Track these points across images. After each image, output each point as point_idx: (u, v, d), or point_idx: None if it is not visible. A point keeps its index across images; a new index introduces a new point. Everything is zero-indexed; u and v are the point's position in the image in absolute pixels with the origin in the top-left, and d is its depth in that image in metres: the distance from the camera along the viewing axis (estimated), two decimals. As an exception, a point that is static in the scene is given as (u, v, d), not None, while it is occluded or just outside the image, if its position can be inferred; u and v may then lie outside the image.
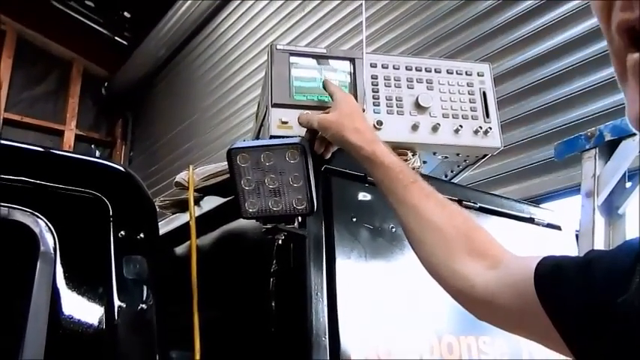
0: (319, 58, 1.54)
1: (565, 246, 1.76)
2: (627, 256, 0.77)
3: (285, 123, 1.44)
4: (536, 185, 3.22)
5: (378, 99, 1.53)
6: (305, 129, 1.37)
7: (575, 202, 1.79)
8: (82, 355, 1.26)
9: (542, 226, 1.81)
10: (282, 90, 1.47)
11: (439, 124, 1.53)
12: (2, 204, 1.22)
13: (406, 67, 1.59)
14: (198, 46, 6.71)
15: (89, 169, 1.43)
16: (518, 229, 1.76)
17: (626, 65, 0.59)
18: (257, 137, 1.68)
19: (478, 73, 1.64)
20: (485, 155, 1.65)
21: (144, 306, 1.32)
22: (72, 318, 1.23)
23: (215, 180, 1.55)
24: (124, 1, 7.46)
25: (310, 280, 1.31)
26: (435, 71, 1.60)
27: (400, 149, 1.51)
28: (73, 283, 1.25)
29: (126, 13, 7.57)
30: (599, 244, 1.63)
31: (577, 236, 1.81)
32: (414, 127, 1.53)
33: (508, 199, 1.87)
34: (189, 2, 6.27)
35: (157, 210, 1.63)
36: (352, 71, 1.54)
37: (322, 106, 1.44)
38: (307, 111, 1.40)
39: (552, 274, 0.87)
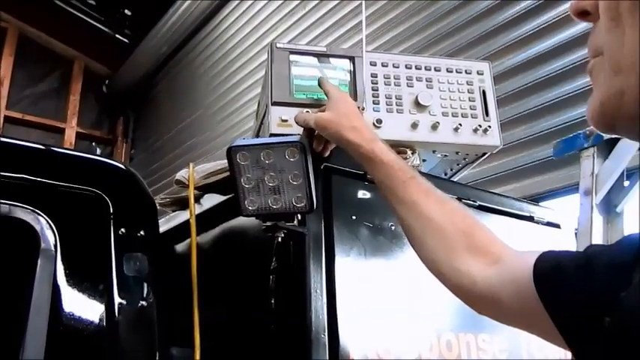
0: (319, 56, 1.54)
1: (565, 244, 1.76)
2: (627, 251, 0.77)
3: (285, 121, 1.44)
4: (536, 184, 3.23)
5: (378, 97, 1.54)
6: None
7: (575, 201, 1.80)
8: (82, 352, 1.26)
9: (542, 224, 1.81)
10: (282, 88, 1.47)
11: (438, 123, 1.54)
12: (3, 201, 1.22)
13: (406, 66, 1.59)
14: (199, 44, 6.71)
15: (90, 167, 1.44)
16: (518, 228, 1.76)
17: None
18: (257, 135, 1.68)
19: (478, 72, 1.64)
20: (484, 154, 1.65)
21: (144, 303, 1.33)
22: (72, 315, 1.24)
23: (215, 178, 1.56)
24: (125, -1, 7.47)
25: (310, 277, 1.31)
26: (435, 70, 1.61)
27: (400, 147, 1.52)
28: (74, 281, 1.26)
29: (127, 11, 7.57)
30: (598, 242, 1.64)
31: (576, 234, 1.82)
32: (414, 126, 1.53)
33: (507, 197, 1.88)
34: (190, 0, 6.27)
35: (158, 208, 1.64)
36: (352, 69, 1.54)
37: (322, 105, 1.45)
38: (304, 109, 1.40)
39: (551, 270, 0.87)
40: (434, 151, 1.62)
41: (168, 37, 6.80)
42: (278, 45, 1.52)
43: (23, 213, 1.24)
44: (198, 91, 6.65)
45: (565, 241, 1.80)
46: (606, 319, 0.70)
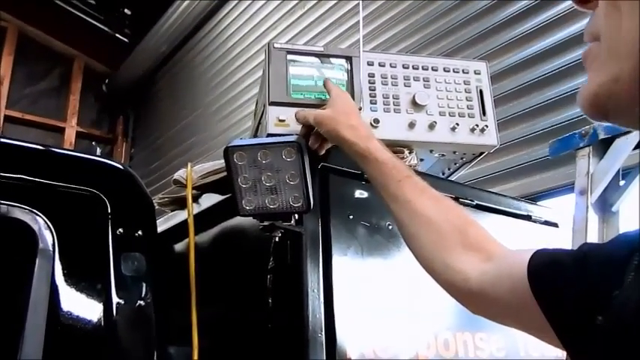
0: (316, 56, 1.55)
1: (562, 243, 1.76)
2: (621, 249, 0.77)
3: (283, 121, 1.45)
4: (534, 182, 3.23)
5: (375, 97, 1.54)
6: (301, 126, 1.38)
7: (572, 200, 1.80)
8: (80, 352, 1.27)
9: (540, 223, 1.82)
10: (279, 88, 1.48)
11: (436, 122, 1.54)
12: (1, 202, 1.23)
13: (403, 66, 1.60)
14: (198, 43, 6.71)
15: (88, 167, 1.44)
16: (516, 227, 1.77)
17: None
18: (255, 135, 1.68)
19: (475, 71, 1.65)
20: (481, 153, 1.65)
21: (142, 303, 1.34)
22: (70, 314, 1.25)
23: (213, 178, 1.56)
24: (124, -2, 7.48)
25: (307, 276, 1.32)
26: (432, 69, 1.61)
27: (397, 147, 1.52)
28: (72, 280, 1.26)
29: (126, 10, 7.57)
30: (593, 241, 1.64)
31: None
32: (411, 125, 1.53)
33: (505, 196, 1.88)
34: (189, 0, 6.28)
35: (156, 207, 1.65)
36: (349, 69, 1.54)
37: (319, 104, 1.45)
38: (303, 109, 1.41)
39: (545, 267, 0.87)
40: (431, 151, 1.62)
41: (168, 36, 6.80)
42: (275, 45, 1.52)
43: (21, 213, 1.24)
44: (197, 90, 6.65)
45: (563, 240, 1.81)
46: (599, 318, 0.71)
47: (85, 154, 1.54)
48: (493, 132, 1.59)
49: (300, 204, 1.29)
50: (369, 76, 1.56)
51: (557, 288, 0.84)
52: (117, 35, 7.74)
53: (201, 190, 1.63)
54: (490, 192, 1.87)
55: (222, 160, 1.32)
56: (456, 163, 1.73)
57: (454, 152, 1.64)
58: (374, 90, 1.55)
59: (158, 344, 1.35)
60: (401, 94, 1.56)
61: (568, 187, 2.86)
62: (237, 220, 1.53)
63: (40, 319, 1.20)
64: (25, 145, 1.37)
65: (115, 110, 8.22)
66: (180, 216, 1.79)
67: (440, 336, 1.46)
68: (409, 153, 1.55)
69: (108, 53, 7.90)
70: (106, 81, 7.99)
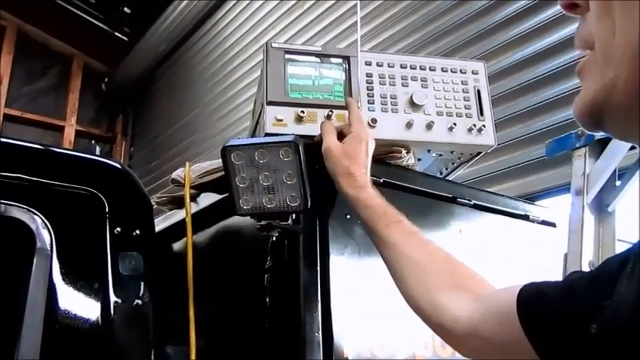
0: (314, 56, 1.55)
1: (560, 243, 1.77)
2: (610, 267, 0.77)
3: (280, 121, 1.45)
4: (532, 182, 3.23)
5: (373, 97, 1.54)
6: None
7: (569, 200, 1.80)
8: (78, 350, 1.27)
9: (537, 223, 1.82)
10: (277, 88, 1.48)
11: (433, 122, 1.55)
12: (-1, 201, 1.23)
13: (401, 65, 1.60)
14: (197, 42, 6.71)
15: (85, 166, 1.44)
16: (513, 227, 1.77)
17: None
18: (253, 135, 1.69)
19: (472, 71, 1.65)
20: (479, 153, 1.66)
21: (139, 302, 1.34)
22: (68, 313, 1.25)
23: (211, 177, 1.56)
24: (123, -3, 7.47)
25: (304, 276, 1.32)
26: (430, 69, 1.61)
27: (394, 147, 1.53)
28: (69, 279, 1.27)
29: (126, 9, 7.56)
30: (589, 242, 1.64)
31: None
32: (408, 125, 1.54)
33: (503, 196, 1.88)
34: (188, -1, 6.29)
35: (154, 206, 1.65)
36: (347, 69, 1.55)
37: (317, 104, 1.45)
38: (300, 109, 1.42)
39: (534, 297, 0.87)
40: (429, 151, 1.62)
41: (167, 35, 6.80)
42: (273, 44, 1.53)
43: (19, 212, 1.24)
44: (196, 89, 6.65)
45: (560, 240, 1.81)
46: (593, 327, 0.70)
47: (82, 153, 1.54)
48: (490, 132, 1.59)
49: (297, 203, 1.30)
50: (366, 76, 1.56)
51: (543, 313, 0.84)
52: (116, 34, 7.73)
53: (199, 189, 1.63)
54: (488, 192, 1.87)
55: (220, 160, 1.33)
56: (453, 163, 1.74)
57: (451, 152, 1.64)
58: (372, 90, 1.55)
59: (155, 343, 1.36)
60: (399, 94, 1.56)
61: (565, 188, 2.86)
62: (235, 220, 1.53)
63: (37, 318, 1.20)
64: (22, 144, 1.37)
65: (114, 109, 8.22)
66: (178, 215, 1.79)
67: (437, 336, 1.46)
68: (406, 153, 1.55)
69: (107, 52, 7.89)
70: (106, 80, 7.98)
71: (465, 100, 1.60)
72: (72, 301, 1.26)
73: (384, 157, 1.53)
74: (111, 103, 8.15)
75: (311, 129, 1.44)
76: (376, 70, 1.58)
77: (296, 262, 1.34)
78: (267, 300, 1.33)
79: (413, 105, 1.55)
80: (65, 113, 7.67)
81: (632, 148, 1.65)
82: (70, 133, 7.65)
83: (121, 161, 7.61)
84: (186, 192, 1.55)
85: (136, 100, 8.06)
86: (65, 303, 1.25)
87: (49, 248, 1.24)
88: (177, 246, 1.79)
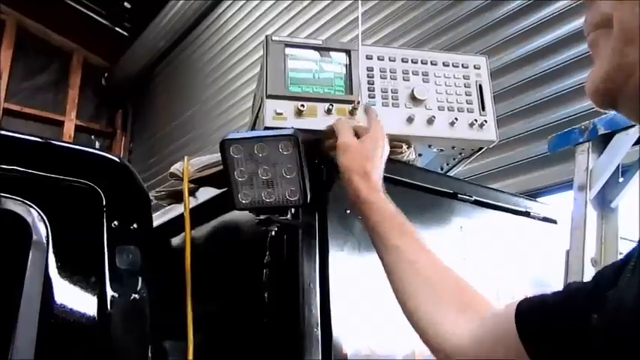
0: (315, 49, 1.54)
1: (560, 240, 1.76)
2: (608, 272, 0.76)
3: (280, 114, 1.43)
4: (534, 179, 3.22)
5: (374, 91, 1.53)
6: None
7: (572, 197, 1.79)
8: (74, 345, 1.26)
9: (538, 219, 1.81)
10: (277, 81, 1.46)
11: (434, 117, 1.53)
12: (-5, 193, 1.22)
13: (402, 60, 1.58)
14: (198, 37, 6.70)
15: (83, 160, 1.43)
16: (514, 223, 1.76)
17: None
18: (252, 129, 1.67)
19: (474, 66, 1.63)
20: (480, 148, 1.64)
21: (136, 296, 1.33)
22: (64, 307, 1.24)
23: (210, 171, 1.55)
24: (124, -8, 7.46)
25: (303, 271, 1.31)
26: (431, 64, 1.59)
27: (395, 141, 1.51)
28: (66, 273, 1.25)
29: (126, 4, 7.56)
30: (591, 238, 1.63)
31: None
32: (410, 120, 1.52)
33: (504, 192, 1.87)
34: (188, -6, 6.28)
35: (153, 201, 1.63)
36: (348, 63, 1.53)
37: (317, 98, 1.44)
38: (297, 106, 1.41)
39: (532, 308, 0.86)
40: (430, 146, 1.61)
41: (167, 31, 6.80)
42: (273, 38, 1.51)
43: (15, 205, 1.23)
44: (196, 85, 6.64)
45: (561, 237, 1.80)
46: (594, 317, 0.69)
47: (80, 146, 1.53)
48: (492, 127, 1.58)
49: (296, 198, 1.28)
50: (367, 70, 1.54)
51: (541, 322, 0.83)
52: (116, 29, 7.73)
53: (198, 183, 1.62)
54: (489, 188, 1.86)
55: (219, 154, 1.31)
56: (454, 159, 1.72)
57: (453, 147, 1.62)
58: (372, 84, 1.53)
59: (153, 338, 1.35)
60: (400, 88, 1.55)
61: (567, 185, 2.85)
62: (234, 214, 1.52)
63: (33, 311, 1.19)
64: (20, 137, 1.36)
65: (114, 104, 8.22)
66: (177, 209, 1.77)
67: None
68: (407, 147, 1.53)
69: (107, 47, 7.90)
70: (105, 75, 7.99)
71: (466, 94, 1.59)
72: (68, 294, 1.25)
73: (385, 152, 1.51)
74: (111, 98, 8.15)
75: (311, 123, 1.43)
76: (377, 64, 1.56)
77: (295, 257, 1.33)
78: (266, 295, 1.32)
79: (414, 99, 1.54)
80: (65, 108, 7.67)
81: (637, 143, 1.64)
82: (69, 128, 7.65)
83: (121, 156, 7.61)
84: (185, 186, 1.54)
85: (136, 95, 8.05)
86: (61, 297, 1.24)
87: (45, 241, 1.23)
88: (175, 241, 1.78)
